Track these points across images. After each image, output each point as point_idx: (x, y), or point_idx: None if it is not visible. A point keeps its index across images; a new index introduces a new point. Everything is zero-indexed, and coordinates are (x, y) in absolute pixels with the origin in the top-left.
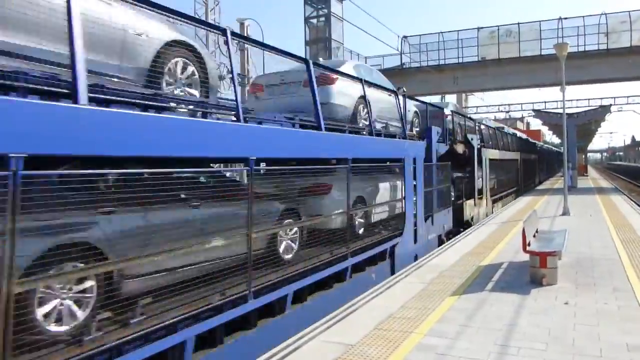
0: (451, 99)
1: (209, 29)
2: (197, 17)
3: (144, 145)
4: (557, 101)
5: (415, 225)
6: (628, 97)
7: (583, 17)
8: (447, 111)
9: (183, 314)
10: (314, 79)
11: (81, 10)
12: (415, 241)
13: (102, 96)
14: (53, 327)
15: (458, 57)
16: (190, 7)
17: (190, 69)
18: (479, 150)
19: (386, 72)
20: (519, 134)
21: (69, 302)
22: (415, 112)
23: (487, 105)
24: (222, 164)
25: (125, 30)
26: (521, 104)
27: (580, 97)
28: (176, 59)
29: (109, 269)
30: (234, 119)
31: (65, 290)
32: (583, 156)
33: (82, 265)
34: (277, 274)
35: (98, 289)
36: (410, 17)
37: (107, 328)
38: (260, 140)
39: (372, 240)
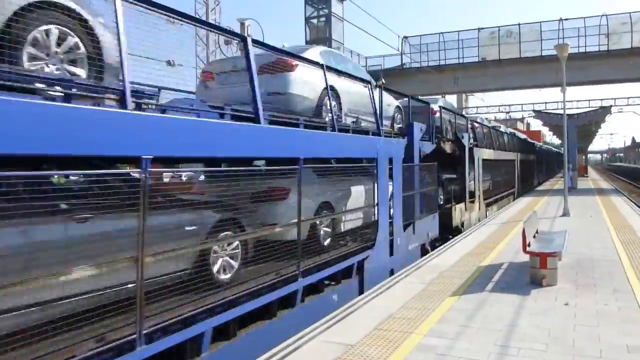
0: (451, 99)
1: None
2: (198, 17)
3: None
4: (557, 102)
5: (391, 234)
6: (628, 98)
7: (584, 18)
8: (435, 107)
9: None
10: (251, 59)
11: None
12: (392, 253)
13: None
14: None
15: (458, 58)
16: (190, 7)
17: (72, 40)
18: (471, 150)
19: (387, 72)
20: (517, 133)
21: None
22: (398, 107)
23: (488, 106)
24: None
25: None
26: (521, 104)
27: (580, 98)
28: (47, 26)
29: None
30: (117, 104)
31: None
32: (583, 157)
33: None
34: (192, 305)
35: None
36: (410, 17)
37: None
38: (158, 134)
39: (333, 255)
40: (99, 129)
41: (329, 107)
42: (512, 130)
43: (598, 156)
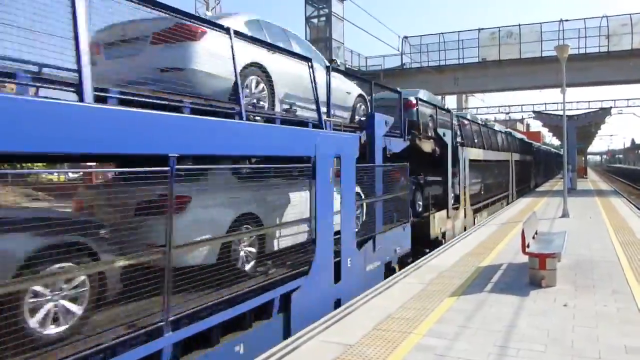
0: (451, 99)
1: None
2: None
3: None
4: (557, 103)
5: (338, 255)
6: (628, 99)
7: (584, 19)
8: (412, 99)
9: None
10: None
11: None
12: (338, 279)
13: None
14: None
15: (459, 58)
16: (191, 6)
17: None
18: (456, 149)
19: (387, 72)
20: (513, 132)
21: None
22: (361, 95)
23: (488, 107)
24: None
25: None
26: (521, 105)
27: (580, 99)
28: None
29: None
30: None
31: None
32: (583, 158)
33: None
34: None
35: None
36: (411, 17)
37: None
38: None
39: (235, 290)
40: None
41: (256, 91)
42: (507, 129)
43: (597, 157)
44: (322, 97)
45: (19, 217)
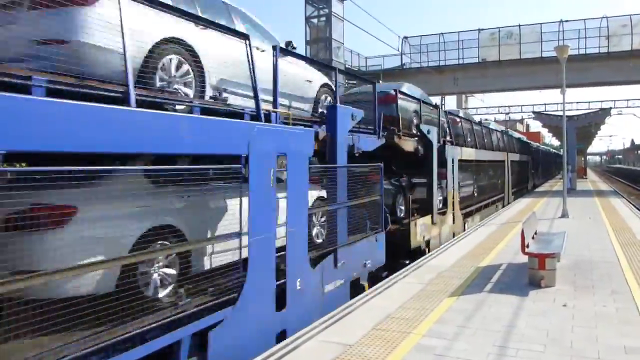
0: (451, 100)
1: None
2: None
3: None
4: (557, 103)
5: (282, 276)
6: (628, 100)
7: (584, 20)
8: (392, 92)
9: None
10: None
11: None
12: (283, 305)
13: None
14: None
15: (458, 58)
16: None
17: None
18: (443, 148)
19: (386, 72)
20: (510, 131)
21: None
22: (327, 86)
23: (487, 107)
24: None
25: None
26: (521, 105)
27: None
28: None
29: None
30: None
31: None
32: (582, 159)
33: None
34: None
35: None
36: (410, 17)
37: None
38: None
39: (125, 332)
40: None
41: (178, 74)
42: (503, 128)
43: (597, 158)
44: (282, 86)
45: None
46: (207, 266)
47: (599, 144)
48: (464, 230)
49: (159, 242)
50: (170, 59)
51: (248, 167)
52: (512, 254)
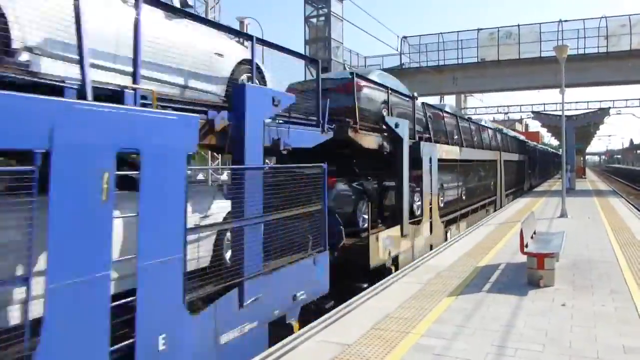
0: (450, 99)
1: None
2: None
3: None
4: (556, 103)
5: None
6: (627, 100)
7: (583, 20)
8: (349, 80)
9: None
10: None
11: None
12: None
13: None
14: None
15: (457, 58)
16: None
17: None
18: (416, 145)
19: (386, 72)
20: (504, 129)
21: None
22: (247, 62)
23: (486, 107)
24: None
25: None
26: (520, 105)
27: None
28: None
29: None
30: None
31: None
32: (581, 158)
33: None
34: None
35: None
36: (410, 17)
37: None
38: None
39: None
40: None
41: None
42: (498, 125)
43: (596, 158)
44: (168, 58)
45: None
46: None
47: (598, 144)
48: (445, 240)
49: None
50: None
51: (49, 168)
52: (510, 253)
